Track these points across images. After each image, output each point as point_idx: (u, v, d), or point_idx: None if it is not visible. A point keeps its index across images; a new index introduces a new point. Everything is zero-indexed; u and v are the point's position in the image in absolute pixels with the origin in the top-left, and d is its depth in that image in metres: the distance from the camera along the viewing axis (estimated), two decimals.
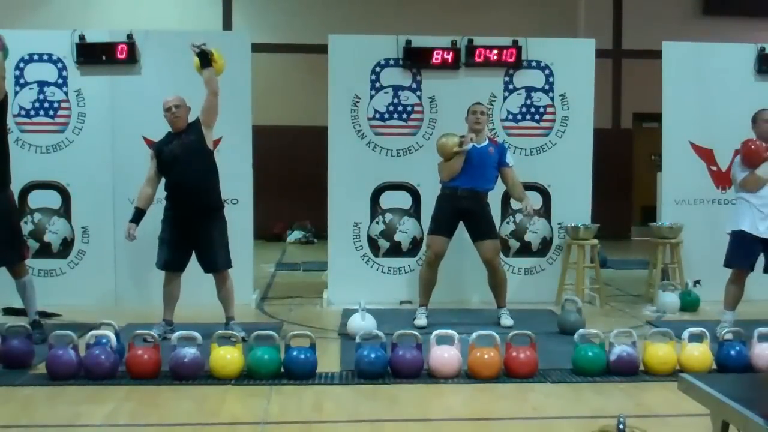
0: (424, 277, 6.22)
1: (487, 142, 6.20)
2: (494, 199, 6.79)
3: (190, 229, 5.59)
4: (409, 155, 7.14)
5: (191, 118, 5.69)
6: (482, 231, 6.15)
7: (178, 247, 5.63)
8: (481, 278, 6.34)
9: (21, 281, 5.57)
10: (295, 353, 4.64)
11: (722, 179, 7.23)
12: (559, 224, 7.23)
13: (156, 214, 5.78)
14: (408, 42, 7.08)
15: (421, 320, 6.07)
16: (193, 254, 5.71)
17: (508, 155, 6.29)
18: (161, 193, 5.77)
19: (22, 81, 6.91)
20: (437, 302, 6.41)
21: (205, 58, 5.57)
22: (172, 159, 5.57)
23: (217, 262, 5.68)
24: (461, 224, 6.22)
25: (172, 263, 5.65)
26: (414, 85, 7.14)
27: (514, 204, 6.87)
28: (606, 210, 8.94)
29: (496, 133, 7.11)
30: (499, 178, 6.25)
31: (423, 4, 12.83)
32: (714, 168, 7.26)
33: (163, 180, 5.71)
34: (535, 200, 7.18)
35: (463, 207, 6.10)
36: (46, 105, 6.95)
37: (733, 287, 5.82)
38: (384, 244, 7.17)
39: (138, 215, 5.66)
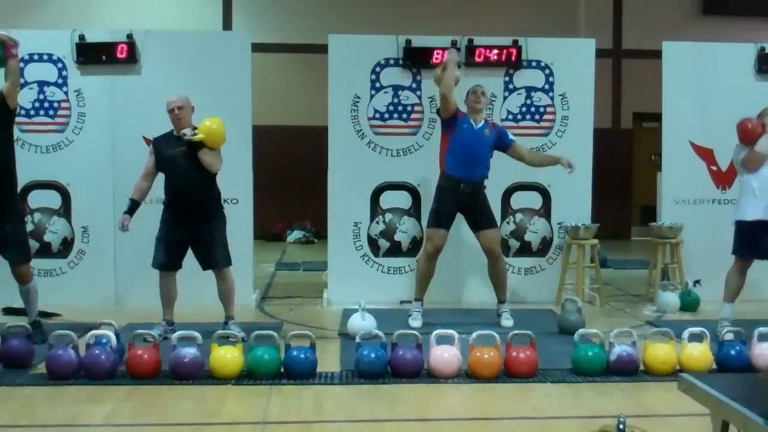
0: (423, 270, 6.22)
1: (483, 122, 6.21)
2: (494, 199, 6.79)
3: (190, 229, 5.58)
4: (409, 155, 7.14)
5: (196, 122, 5.65)
6: (483, 221, 6.20)
7: (175, 247, 5.62)
8: (480, 278, 6.34)
9: (26, 287, 5.54)
10: (295, 353, 4.64)
11: (722, 179, 7.24)
12: (559, 224, 7.23)
13: (156, 214, 5.78)
14: (408, 42, 7.08)
15: (416, 321, 6.04)
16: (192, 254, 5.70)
17: (509, 134, 6.34)
18: (161, 194, 5.77)
19: (22, 81, 6.87)
20: (436, 302, 6.42)
21: (197, 144, 5.47)
22: (172, 162, 5.55)
23: (216, 259, 5.66)
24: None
25: (167, 263, 5.63)
26: (414, 85, 7.14)
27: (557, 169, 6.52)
28: (606, 210, 8.94)
29: None
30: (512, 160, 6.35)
31: (423, 4, 12.83)
32: (714, 168, 7.25)
33: (162, 179, 5.69)
34: (534, 200, 7.21)
35: (463, 200, 6.12)
36: (46, 105, 6.95)
37: (734, 277, 5.73)
38: (384, 243, 7.17)
39: (133, 206, 5.65)
